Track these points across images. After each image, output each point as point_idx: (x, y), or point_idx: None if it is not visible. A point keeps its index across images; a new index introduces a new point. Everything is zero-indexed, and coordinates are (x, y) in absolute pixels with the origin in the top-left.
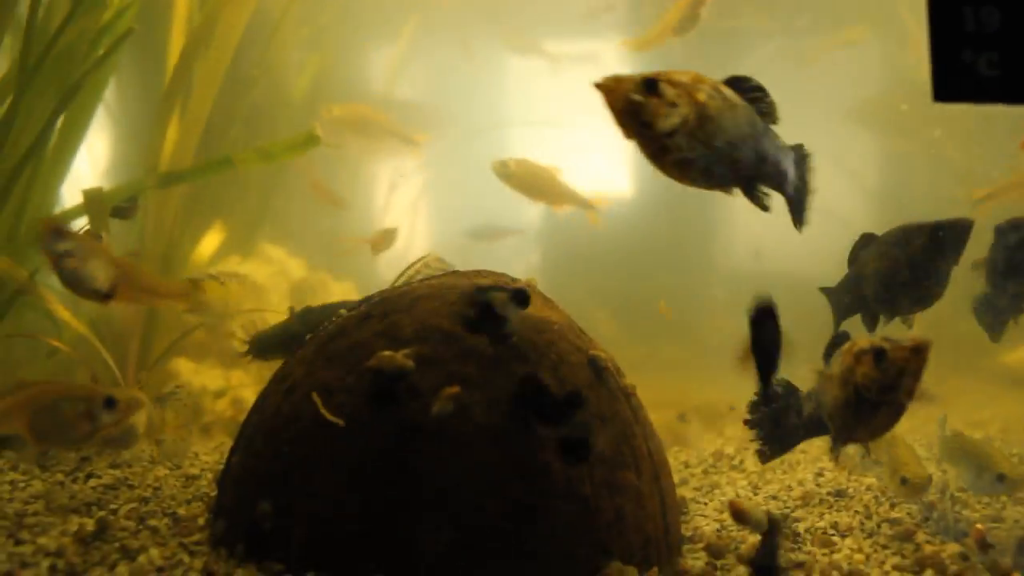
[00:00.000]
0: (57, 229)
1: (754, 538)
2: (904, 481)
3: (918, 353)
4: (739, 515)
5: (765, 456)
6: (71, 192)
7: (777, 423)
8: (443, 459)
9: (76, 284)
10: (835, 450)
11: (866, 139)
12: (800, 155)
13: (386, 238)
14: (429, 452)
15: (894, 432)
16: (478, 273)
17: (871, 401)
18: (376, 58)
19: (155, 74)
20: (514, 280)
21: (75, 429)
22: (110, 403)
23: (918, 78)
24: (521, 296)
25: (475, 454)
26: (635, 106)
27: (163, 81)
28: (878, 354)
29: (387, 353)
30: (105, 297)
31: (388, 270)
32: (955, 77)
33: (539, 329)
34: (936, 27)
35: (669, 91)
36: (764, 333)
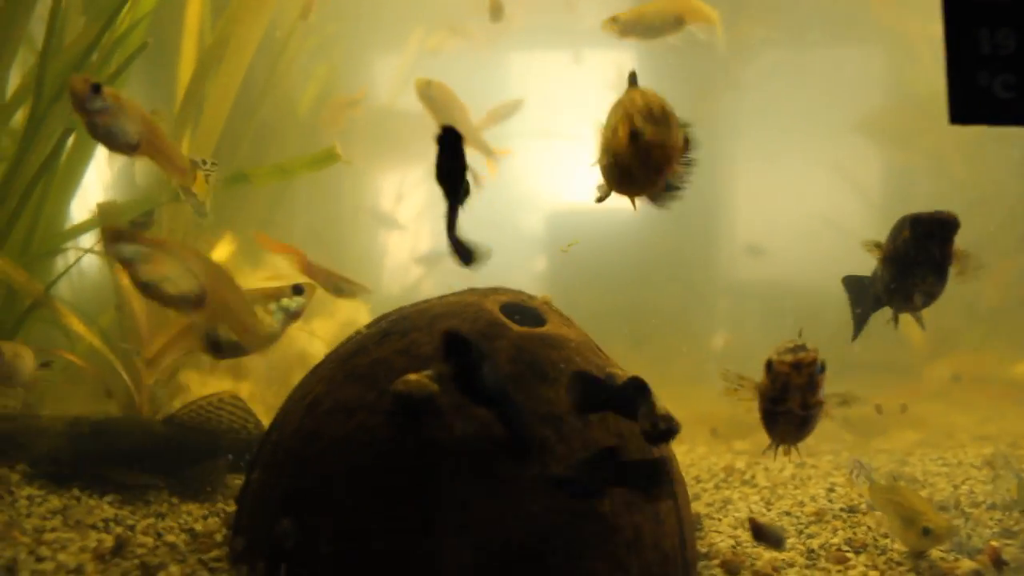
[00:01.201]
0: (88, 82)
1: (770, 554)
2: (927, 532)
3: (798, 369)
4: (759, 531)
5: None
6: (80, 206)
7: None
8: (464, 477)
9: (109, 139)
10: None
11: (871, 151)
12: None
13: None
14: (450, 469)
15: (894, 481)
16: (495, 290)
17: (767, 410)
18: (382, 68)
19: (166, 89)
20: (531, 297)
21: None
22: (298, 290)
23: (923, 91)
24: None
25: (495, 471)
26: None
27: (174, 97)
28: (768, 364)
29: (413, 377)
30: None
31: (392, 283)
32: (971, 100)
33: (556, 346)
34: (952, 50)
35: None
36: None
